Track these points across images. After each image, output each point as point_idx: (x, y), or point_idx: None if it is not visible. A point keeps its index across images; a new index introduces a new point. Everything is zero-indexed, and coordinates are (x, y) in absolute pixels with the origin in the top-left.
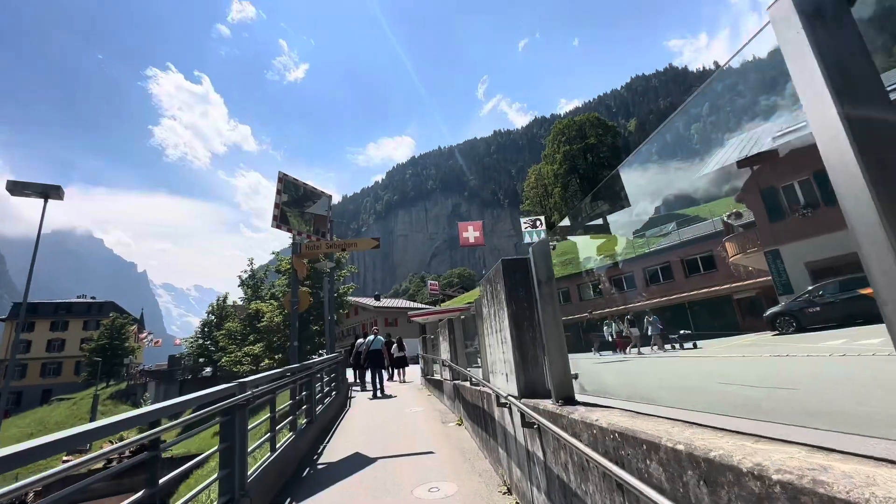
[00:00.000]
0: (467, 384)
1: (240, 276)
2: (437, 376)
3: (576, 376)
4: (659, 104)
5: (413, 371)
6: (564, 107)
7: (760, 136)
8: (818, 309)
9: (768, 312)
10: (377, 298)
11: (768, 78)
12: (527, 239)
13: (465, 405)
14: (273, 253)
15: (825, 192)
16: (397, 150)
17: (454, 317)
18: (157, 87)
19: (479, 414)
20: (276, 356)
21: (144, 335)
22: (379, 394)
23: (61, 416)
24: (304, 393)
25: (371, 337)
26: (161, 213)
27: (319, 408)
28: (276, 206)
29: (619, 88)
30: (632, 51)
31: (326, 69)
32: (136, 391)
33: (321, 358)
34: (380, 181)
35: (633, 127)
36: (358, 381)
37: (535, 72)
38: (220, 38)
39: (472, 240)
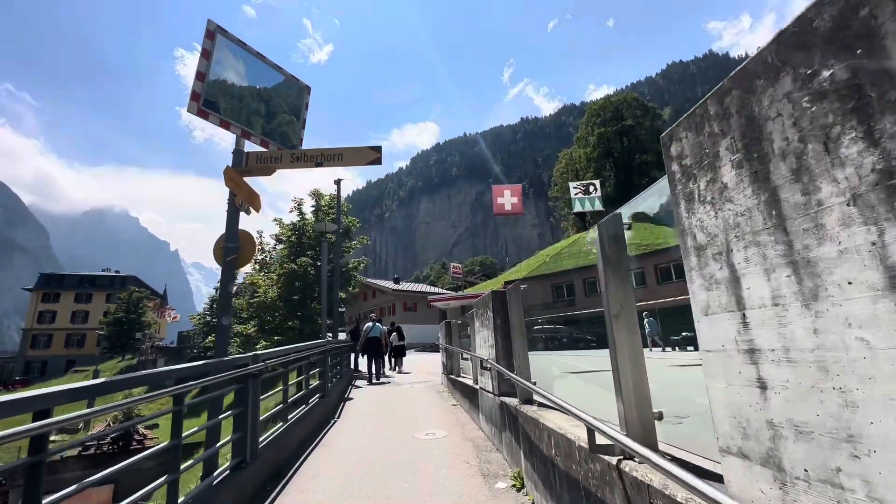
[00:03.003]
0: (538, 413)
1: None
2: (468, 380)
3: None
4: (697, 92)
5: (427, 362)
6: (593, 93)
7: None
8: None
9: None
10: (396, 282)
11: None
12: (577, 207)
13: (533, 457)
14: (275, 220)
15: None
16: (421, 136)
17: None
18: (183, 69)
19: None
20: (273, 338)
21: (166, 310)
22: (374, 380)
23: None
24: (317, 370)
25: (370, 324)
26: (190, 194)
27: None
28: (199, 76)
29: (653, 76)
30: (670, 34)
31: (350, 50)
32: (145, 366)
33: (316, 342)
34: (404, 167)
35: (667, 116)
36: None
37: (564, 55)
38: (245, 22)
39: (508, 206)
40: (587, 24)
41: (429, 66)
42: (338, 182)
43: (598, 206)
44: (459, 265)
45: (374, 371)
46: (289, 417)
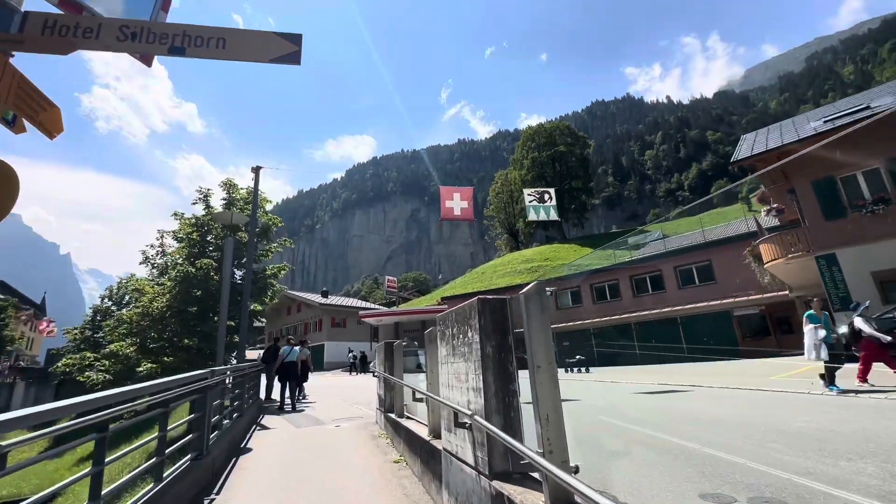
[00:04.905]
0: None
1: (144, 252)
2: (421, 427)
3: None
4: (616, 129)
5: (356, 387)
6: (525, 121)
7: (800, 123)
8: None
9: (841, 331)
10: (325, 295)
11: None
12: (531, 215)
13: None
14: (175, 215)
15: None
16: (358, 148)
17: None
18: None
19: None
20: (162, 359)
21: (44, 324)
22: (287, 408)
23: None
24: (189, 418)
25: (287, 347)
26: (86, 190)
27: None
28: None
29: (579, 111)
30: (594, 75)
31: None
32: None
33: (188, 375)
34: (339, 179)
35: (591, 149)
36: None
37: (500, 82)
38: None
39: (457, 211)
40: (522, 56)
41: (369, 79)
42: (256, 170)
43: (554, 216)
44: (395, 279)
45: (284, 398)
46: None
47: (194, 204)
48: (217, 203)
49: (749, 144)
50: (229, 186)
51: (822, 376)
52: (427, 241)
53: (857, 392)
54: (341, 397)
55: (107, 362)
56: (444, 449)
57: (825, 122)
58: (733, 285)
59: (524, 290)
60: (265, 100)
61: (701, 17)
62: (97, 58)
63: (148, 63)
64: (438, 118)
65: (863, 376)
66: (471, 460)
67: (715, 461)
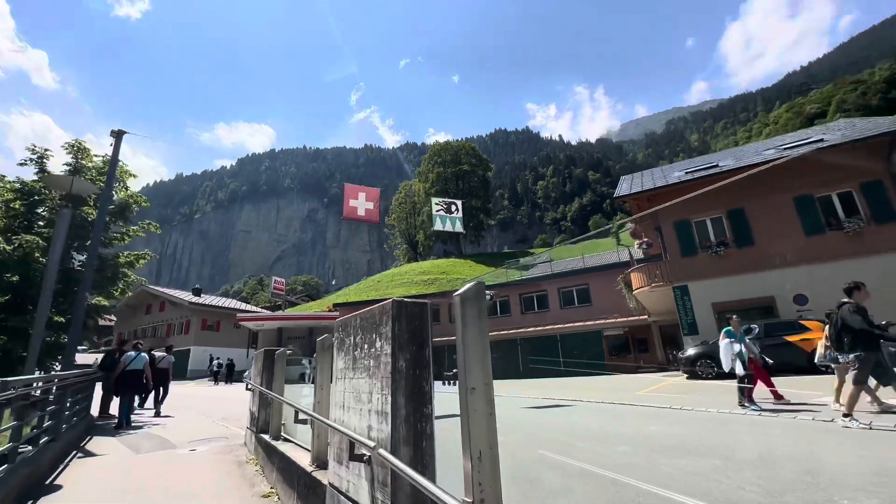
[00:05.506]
0: None
1: None
2: (301, 454)
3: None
4: (514, 158)
5: (224, 399)
6: (433, 136)
7: (669, 172)
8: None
9: (689, 353)
10: (197, 294)
11: None
12: (437, 224)
13: None
14: None
15: (738, 231)
16: (254, 137)
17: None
18: None
19: None
20: None
21: None
22: (125, 427)
23: None
24: None
25: (133, 353)
26: None
27: None
28: None
29: (484, 136)
30: (498, 104)
31: (174, 20)
32: None
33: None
34: (228, 167)
35: (492, 172)
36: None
37: (411, 95)
38: None
39: (361, 212)
40: (436, 73)
41: (273, 65)
42: (118, 134)
43: (459, 227)
44: (283, 281)
45: (123, 413)
46: None
47: (22, 165)
48: (58, 169)
49: (628, 184)
50: (77, 150)
51: (741, 393)
52: (322, 245)
53: (774, 410)
54: (204, 412)
55: None
56: (331, 484)
57: (686, 172)
58: (605, 307)
59: (461, 290)
60: (143, 62)
61: (592, 71)
62: None
63: None
64: (346, 120)
65: (771, 396)
66: (367, 502)
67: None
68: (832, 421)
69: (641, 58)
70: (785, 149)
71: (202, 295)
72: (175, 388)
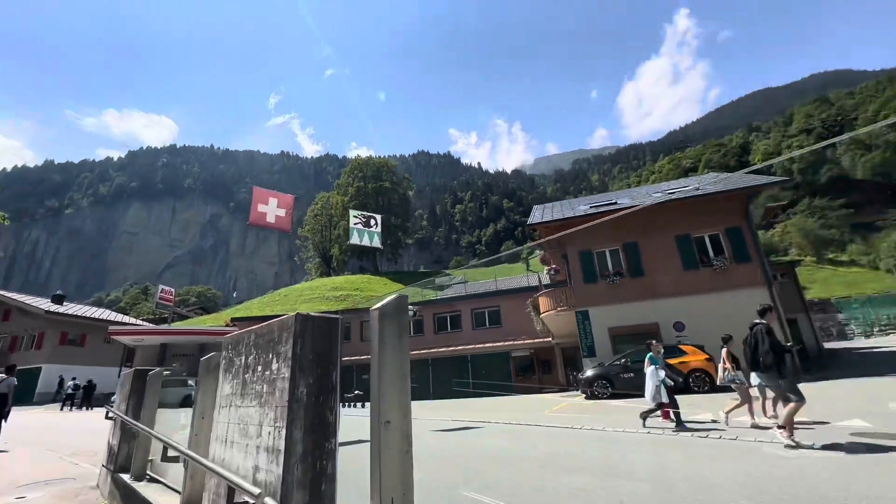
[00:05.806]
0: None
1: None
2: (162, 494)
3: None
4: (436, 181)
5: (93, 430)
6: (355, 150)
7: (577, 204)
8: (631, 375)
9: (588, 374)
10: (58, 301)
11: None
12: (354, 238)
13: None
14: None
15: (632, 263)
16: (151, 129)
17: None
18: None
19: None
20: None
21: None
22: None
23: None
24: None
25: None
26: None
27: None
28: None
29: (406, 155)
30: (422, 126)
31: None
32: None
33: None
34: (115, 159)
35: (412, 192)
36: None
37: (335, 106)
38: None
39: (271, 219)
40: (361, 87)
41: (183, 48)
42: None
43: (377, 242)
44: (172, 290)
45: None
46: None
47: None
48: None
49: (541, 213)
50: None
51: (669, 416)
52: (225, 253)
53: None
54: (51, 446)
55: None
56: None
57: (591, 206)
58: (514, 329)
59: (380, 304)
60: (11, 17)
61: (511, 107)
62: None
63: None
64: (262, 123)
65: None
66: None
67: None
68: (755, 440)
69: (554, 102)
70: (669, 193)
71: (65, 303)
72: (17, 416)
